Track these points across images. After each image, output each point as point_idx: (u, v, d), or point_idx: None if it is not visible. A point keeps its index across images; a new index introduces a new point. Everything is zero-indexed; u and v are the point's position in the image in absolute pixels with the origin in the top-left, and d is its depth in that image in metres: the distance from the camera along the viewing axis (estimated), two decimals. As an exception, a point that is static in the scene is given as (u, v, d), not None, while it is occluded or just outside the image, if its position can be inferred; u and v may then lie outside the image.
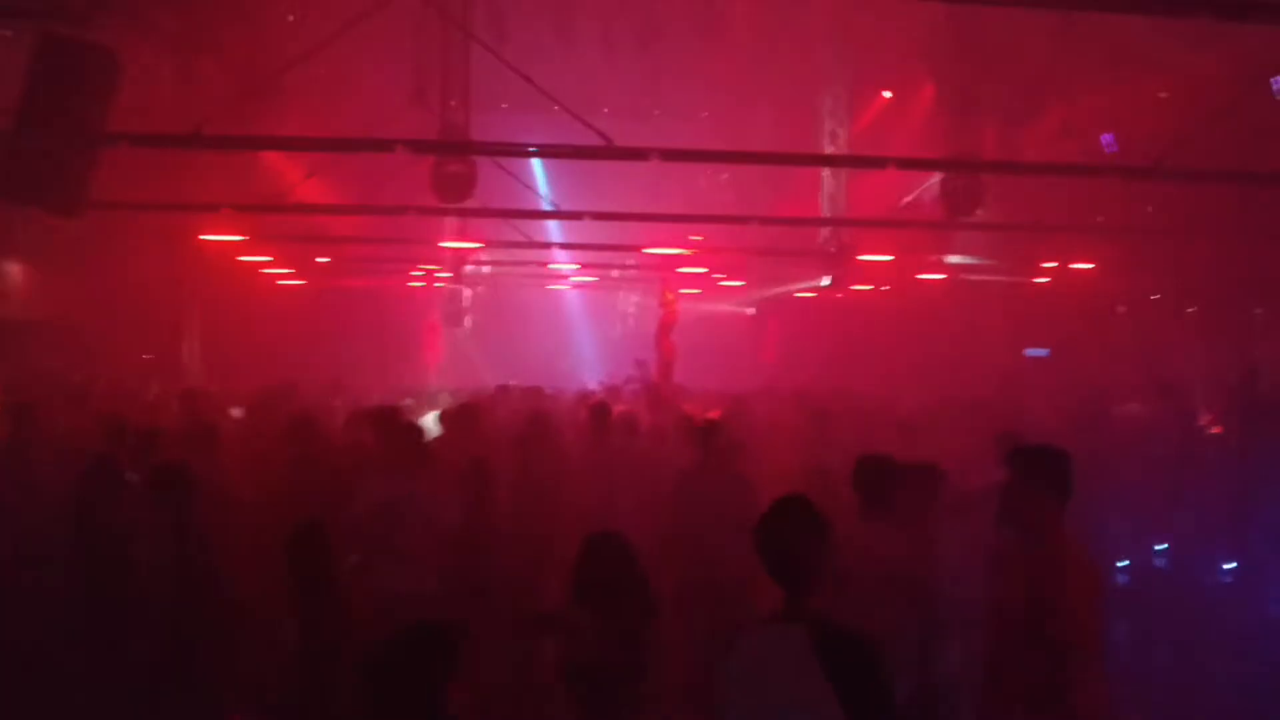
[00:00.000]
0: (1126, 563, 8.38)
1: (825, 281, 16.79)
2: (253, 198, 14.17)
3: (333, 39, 9.87)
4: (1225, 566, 8.33)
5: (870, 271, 16.98)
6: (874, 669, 3.39)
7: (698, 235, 17.80)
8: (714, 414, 11.38)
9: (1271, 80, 11.90)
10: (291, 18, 14.29)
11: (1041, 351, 18.23)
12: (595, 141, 9.46)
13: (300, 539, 4.97)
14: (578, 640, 4.31)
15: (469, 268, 21.12)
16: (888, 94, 17.92)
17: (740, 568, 7.66)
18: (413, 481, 6.99)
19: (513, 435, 9.06)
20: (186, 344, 17.68)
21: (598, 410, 9.67)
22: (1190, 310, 15.08)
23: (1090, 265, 15.25)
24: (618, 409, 10.66)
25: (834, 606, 3.55)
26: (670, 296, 15.92)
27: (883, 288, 17.76)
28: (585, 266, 19.96)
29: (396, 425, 7.89)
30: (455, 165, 12.81)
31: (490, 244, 18.00)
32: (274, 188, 14.61)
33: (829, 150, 16.87)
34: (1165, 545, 8.84)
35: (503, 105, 15.98)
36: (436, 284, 21.40)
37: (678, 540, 7.77)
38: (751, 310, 24.31)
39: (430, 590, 6.55)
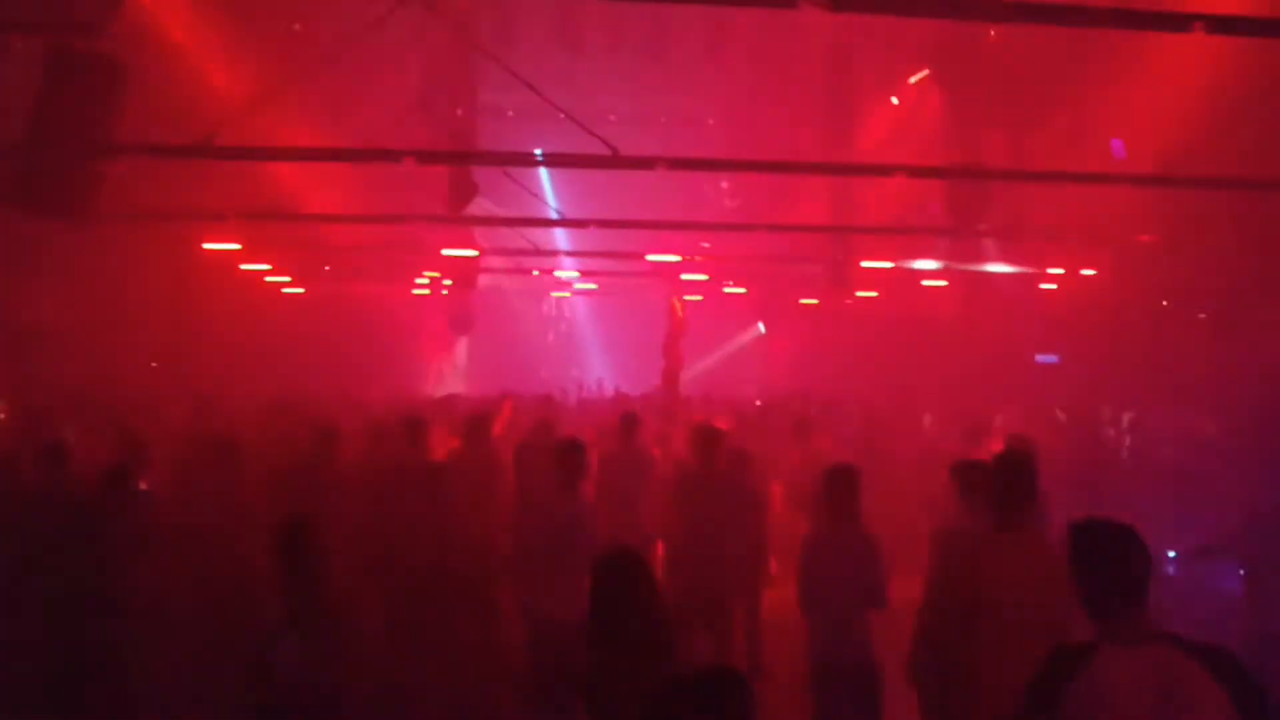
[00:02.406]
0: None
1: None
2: (258, 206, 14.17)
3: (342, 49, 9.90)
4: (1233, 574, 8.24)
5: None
6: (1262, 692, 3.28)
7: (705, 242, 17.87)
8: (722, 424, 11.40)
9: None
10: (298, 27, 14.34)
11: (1051, 358, 18.14)
12: (601, 150, 9.45)
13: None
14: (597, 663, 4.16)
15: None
16: (895, 100, 17.93)
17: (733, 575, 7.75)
18: (579, 500, 6.87)
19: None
20: (193, 353, 17.66)
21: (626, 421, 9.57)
22: (1200, 316, 14.98)
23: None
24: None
25: None
26: (678, 305, 15.88)
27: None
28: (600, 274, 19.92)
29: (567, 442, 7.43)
30: (459, 173, 12.87)
31: (524, 254, 17.72)
32: (279, 196, 14.62)
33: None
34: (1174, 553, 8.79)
35: (508, 113, 16.04)
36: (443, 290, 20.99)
37: (676, 549, 7.81)
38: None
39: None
